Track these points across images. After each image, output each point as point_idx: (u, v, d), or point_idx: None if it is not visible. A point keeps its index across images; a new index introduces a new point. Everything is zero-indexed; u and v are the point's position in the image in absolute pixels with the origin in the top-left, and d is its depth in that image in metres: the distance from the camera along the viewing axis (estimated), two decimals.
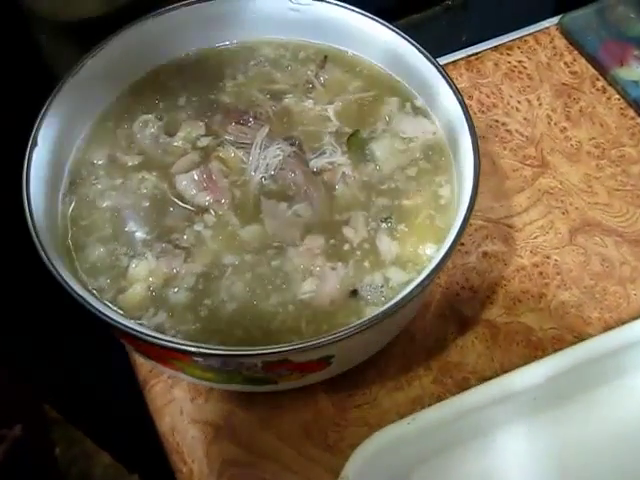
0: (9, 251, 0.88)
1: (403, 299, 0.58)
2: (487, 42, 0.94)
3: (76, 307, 0.57)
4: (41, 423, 1.58)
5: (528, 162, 0.85)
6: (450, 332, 0.74)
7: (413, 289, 0.58)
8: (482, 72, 0.91)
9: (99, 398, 1.21)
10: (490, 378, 0.71)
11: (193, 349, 0.56)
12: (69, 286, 0.58)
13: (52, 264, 0.58)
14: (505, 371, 0.71)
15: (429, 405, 0.69)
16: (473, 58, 0.92)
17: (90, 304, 0.57)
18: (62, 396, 1.22)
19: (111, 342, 0.68)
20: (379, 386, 0.71)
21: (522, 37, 0.95)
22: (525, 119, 0.88)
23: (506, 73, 0.91)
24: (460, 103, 0.68)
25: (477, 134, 0.66)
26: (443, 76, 0.70)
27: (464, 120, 0.67)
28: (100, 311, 0.57)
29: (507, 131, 0.87)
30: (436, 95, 0.72)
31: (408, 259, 0.66)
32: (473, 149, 0.65)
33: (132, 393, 0.76)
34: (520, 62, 0.92)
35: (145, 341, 0.57)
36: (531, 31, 0.96)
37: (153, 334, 0.57)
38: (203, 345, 0.56)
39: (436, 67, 0.71)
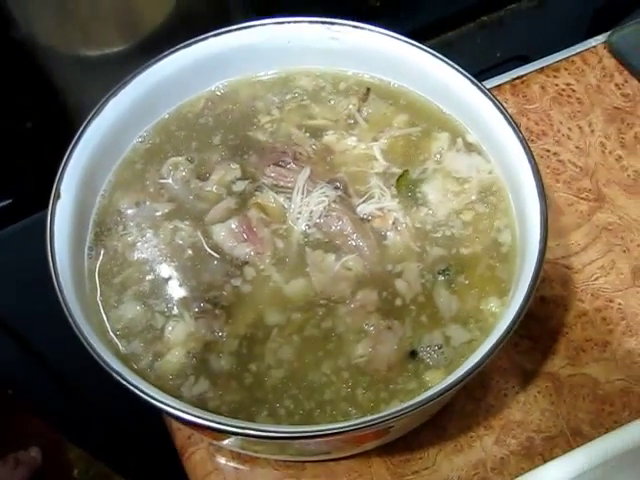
0: None
1: (473, 368, 0.52)
2: (531, 64, 0.88)
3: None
4: (58, 444, 1.54)
5: (583, 195, 0.79)
6: (511, 387, 0.68)
7: (483, 357, 0.52)
8: (529, 97, 0.85)
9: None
10: (556, 437, 0.65)
11: (241, 430, 0.50)
12: (97, 353, 0.53)
13: (78, 328, 0.53)
14: (572, 428, 0.66)
15: (492, 469, 0.64)
16: (518, 82, 0.86)
17: (120, 374, 0.52)
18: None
19: None
20: (437, 448, 0.65)
21: (568, 57, 0.88)
22: (577, 147, 0.82)
23: (554, 97, 0.85)
24: (521, 141, 0.62)
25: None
26: (500, 110, 0.64)
27: (525, 159, 0.62)
28: (131, 383, 0.52)
29: (559, 161, 0.81)
30: (490, 130, 0.66)
31: (469, 315, 0.60)
32: (538, 192, 0.60)
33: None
34: (568, 85, 0.86)
35: (187, 421, 0.51)
36: (578, 50, 0.89)
37: (195, 413, 0.51)
38: (253, 427, 0.50)
39: (490, 100, 0.65)
